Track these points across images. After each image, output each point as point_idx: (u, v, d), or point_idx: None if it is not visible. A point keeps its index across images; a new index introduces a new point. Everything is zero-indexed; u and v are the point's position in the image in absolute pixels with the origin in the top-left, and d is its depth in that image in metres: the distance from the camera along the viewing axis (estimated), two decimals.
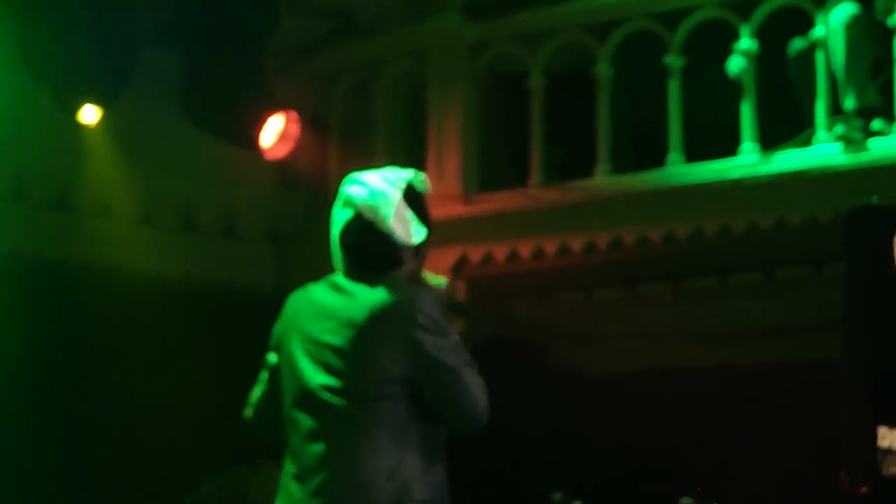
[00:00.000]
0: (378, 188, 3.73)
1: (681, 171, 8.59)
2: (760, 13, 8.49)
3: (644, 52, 8.83)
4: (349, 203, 3.75)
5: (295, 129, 8.71)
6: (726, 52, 8.53)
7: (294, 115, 8.70)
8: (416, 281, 3.74)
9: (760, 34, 8.47)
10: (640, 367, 9.76)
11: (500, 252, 8.93)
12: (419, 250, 3.77)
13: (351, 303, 3.67)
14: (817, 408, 7.46)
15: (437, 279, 3.81)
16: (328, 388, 3.63)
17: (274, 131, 8.71)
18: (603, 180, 8.79)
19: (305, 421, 3.66)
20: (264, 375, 3.88)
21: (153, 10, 8.53)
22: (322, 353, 3.66)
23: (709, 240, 8.46)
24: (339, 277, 3.76)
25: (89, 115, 8.45)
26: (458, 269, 9.03)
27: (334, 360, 3.64)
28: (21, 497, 8.11)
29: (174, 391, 8.44)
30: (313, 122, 9.27)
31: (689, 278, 9.04)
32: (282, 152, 8.78)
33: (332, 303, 3.70)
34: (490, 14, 9.29)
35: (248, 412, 3.93)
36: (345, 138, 9.58)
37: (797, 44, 8.34)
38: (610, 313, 9.68)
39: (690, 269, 8.95)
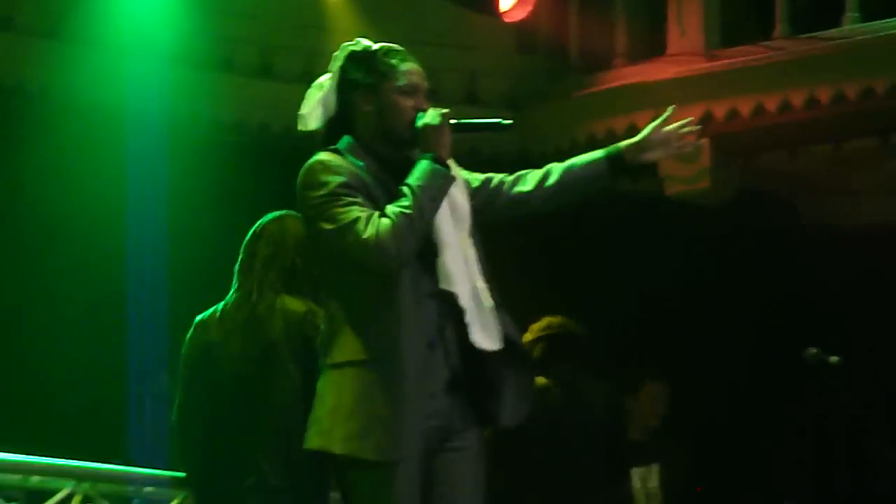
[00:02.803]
0: None
1: None
2: None
3: None
4: None
5: None
6: None
7: None
8: None
9: None
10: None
11: (746, 107, 8.74)
12: None
13: None
14: None
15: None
16: None
17: None
18: (852, 27, 8.50)
19: None
20: None
21: None
22: None
23: None
24: None
25: None
26: (701, 126, 8.89)
27: None
28: None
29: None
30: None
31: None
32: (520, 15, 8.77)
33: None
34: None
35: None
36: None
37: None
38: (862, 165, 9.41)
39: None
